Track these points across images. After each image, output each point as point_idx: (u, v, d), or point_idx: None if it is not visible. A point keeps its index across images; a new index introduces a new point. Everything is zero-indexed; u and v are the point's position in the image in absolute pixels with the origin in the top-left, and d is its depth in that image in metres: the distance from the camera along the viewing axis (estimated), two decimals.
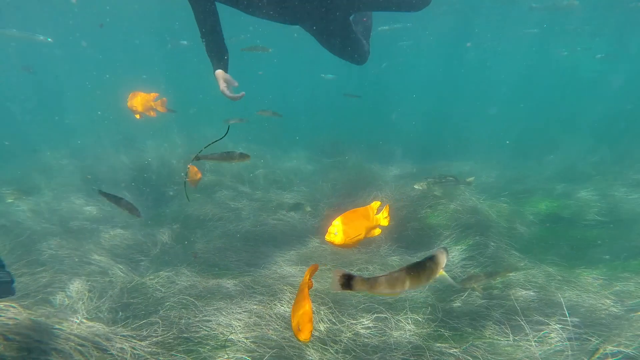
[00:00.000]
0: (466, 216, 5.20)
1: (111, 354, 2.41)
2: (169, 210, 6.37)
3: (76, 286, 4.18)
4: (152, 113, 3.51)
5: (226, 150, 2.91)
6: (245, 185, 7.80)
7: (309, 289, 2.09)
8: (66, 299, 4.05)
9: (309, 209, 6.49)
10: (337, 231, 2.16)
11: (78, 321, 2.83)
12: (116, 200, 3.42)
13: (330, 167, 8.97)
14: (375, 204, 2.26)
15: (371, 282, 1.25)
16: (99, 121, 11.92)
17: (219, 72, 2.99)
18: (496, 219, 5.45)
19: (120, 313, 3.65)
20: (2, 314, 2.49)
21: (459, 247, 4.94)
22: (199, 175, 4.07)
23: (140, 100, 3.42)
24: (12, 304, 2.67)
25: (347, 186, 7.45)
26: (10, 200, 7.00)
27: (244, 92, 2.95)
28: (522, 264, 4.52)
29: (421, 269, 1.35)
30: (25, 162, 9.23)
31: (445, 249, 1.58)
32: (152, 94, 3.51)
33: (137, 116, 3.55)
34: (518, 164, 9.58)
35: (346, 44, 3.90)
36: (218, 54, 3.01)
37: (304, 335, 1.85)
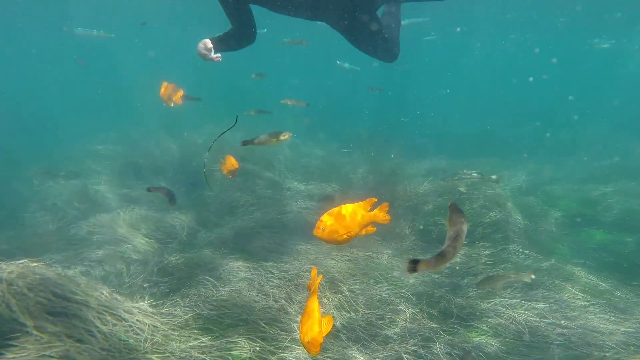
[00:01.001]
0: (491, 213, 5.09)
1: (130, 325, 2.60)
2: (200, 196, 6.63)
3: (111, 262, 4.49)
4: (171, 103, 3.71)
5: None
6: (276, 174, 7.95)
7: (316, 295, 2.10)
8: (103, 272, 4.36)
9: (337, 200, 6.55)
10: (324, 226, 2.10)
11: (106, 293, 3.05)
12: (160, 189, 3.83)
13: (360, 160, 8.97)
14: (371, 201, 2.17)
15: (432, 262, 1.43)
16: (142, 110, 12.46)
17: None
18: (523, 217, 5.29)
19: (147, 289, 3.89)
20: (35, 282, 2.74)
21: (482, 243, 4.86)
22: (237, 166, 4.18)
23: (163, 90, 3.63)
24: (49, 272, 2.93)
25: (376, 179, 7.45)
26: (62, 182, 7.56)
27: (220, 58, 3.05)
28: (546, 265, 4.38)
29: (459, 239, 1.54)
30: (76, 146, 9.86)
31: (456, 206, 1.68)
32: (172, 85, 3.70)
33: (164, 104, 3.76)
34: (556, 164, 9.17)
35: (374, 40, 3.79)
36: (232, 38, 3.14)
37: (314, 349, 1.84)
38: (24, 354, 2.09)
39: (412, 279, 4.30)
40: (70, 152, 9.38)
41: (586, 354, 3.25)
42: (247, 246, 4.83)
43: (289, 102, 4.28)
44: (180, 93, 3.67)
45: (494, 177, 4.78)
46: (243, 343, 2.93)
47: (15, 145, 10.64)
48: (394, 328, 3.55)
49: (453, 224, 1.60)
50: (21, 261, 2.97)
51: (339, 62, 10.20)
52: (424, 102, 21.01)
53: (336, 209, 2.16)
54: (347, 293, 3.84)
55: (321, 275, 2.28)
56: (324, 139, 10.39)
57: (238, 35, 3.20)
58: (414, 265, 1.35)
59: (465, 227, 1.60)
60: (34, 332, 2.21)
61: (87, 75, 23.69)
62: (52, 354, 2.15)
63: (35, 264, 3.01)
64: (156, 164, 8.01)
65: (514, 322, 3.63)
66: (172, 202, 4.05)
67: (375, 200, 2.16)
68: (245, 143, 2.85)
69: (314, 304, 2.01)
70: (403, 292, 4.09)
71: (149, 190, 3.99)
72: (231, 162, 4.19)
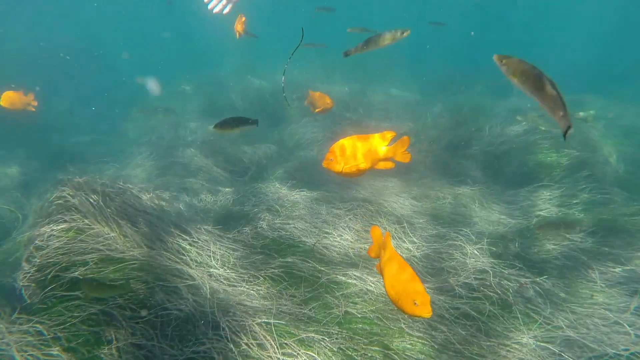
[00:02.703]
0: (576, 154, 4.64)
1: (196, 241, 2.99)
2: (277, 132, 6.94)
3: (196, 190, 5.01)
4: (238, 34, 3.81)
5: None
6: (352, 113, 7.92)
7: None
8: (186, 197, 4.92)
9: (412, 140, 6.42)
10: (333, 157, 1.96)
11: (183, 210, 3.49)
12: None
13: (437, 99, 8.54)
14: (389, 134, 1.95)
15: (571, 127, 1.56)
16: (227, 51, 12.82)
17: None
18: (618, 161, 4.76)
19: (221, 213, 4.33)
20: (142, 194, 3.24)
21: (559, 185, 4.52)
22: (332, 105, 4.10)
23: (237, 23, 3.74)
24: (148, 192, 3.43)
25: (454, 119, 7.08)
26: (159, 117, 8.34)
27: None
28: (630, 210, 3.97)
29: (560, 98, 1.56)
30: (166, 88, 10.68)
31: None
32: (243, 19, 3.78)
33: (236, 37, 3.88)
34: None
35: None
36: None
37: (426, 310, 1.63)
38: (117, 249, 2.53)
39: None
40: (163, 94, 10.22)
41: None
42: (313, 179, 5.05)
43: (354, 30, 3.99)
44: (242, 27, 3.74)
45: (581, 114, 4.31)
46: (299, 263, 3.19)
47: (117, 88, 11.88)
48: (449, 261, 3.57)
49: (545, 94, 1.54)
50: (116, 182, 3.51)
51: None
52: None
53: (347, 138, 1.99)
54: (405, 225, 3.91)
55: (387, 233, 2.01)
56: (399, 77, 9.99)
57: None
58: (567, 130, 1.54)
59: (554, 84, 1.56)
60: (120, 236, 2.66)
61: (174, 16, 24.41)
62: (138, 255, 2.58)
63: (125, 184, 3.53)
64: (238, 102, 8.44)
65: (583, 264, 3.43)
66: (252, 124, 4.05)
67: (394, 134, 1.96)
68: (347, 53, 2.49)
69: (400, 263, 1.76)
70: (463, 230, 4.04)
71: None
72: (325, 101, 4.11)
